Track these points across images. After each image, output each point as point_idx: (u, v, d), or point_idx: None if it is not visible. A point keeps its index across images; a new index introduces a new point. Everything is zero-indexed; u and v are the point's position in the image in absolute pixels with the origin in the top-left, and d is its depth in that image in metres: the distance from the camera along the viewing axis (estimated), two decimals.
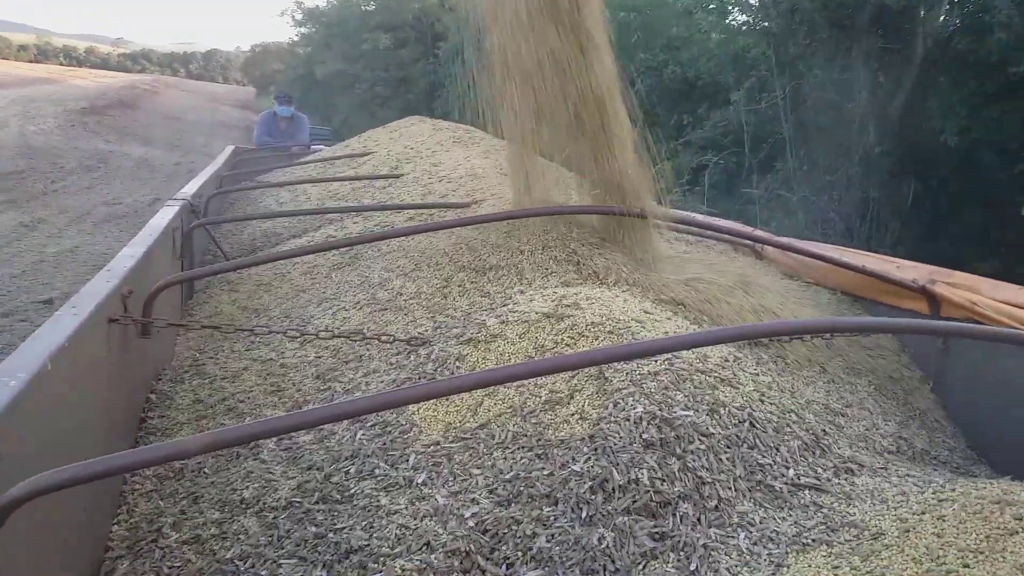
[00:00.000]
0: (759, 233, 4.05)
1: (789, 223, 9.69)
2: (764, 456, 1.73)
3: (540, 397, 1.79)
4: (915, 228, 9.54)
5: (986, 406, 2.55)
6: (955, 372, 2.83)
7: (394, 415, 1.75)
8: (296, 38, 30.03)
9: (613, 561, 1.43)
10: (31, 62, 64.91)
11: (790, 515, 1.61)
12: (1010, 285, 2.89)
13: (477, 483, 1.58)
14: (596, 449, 1.62)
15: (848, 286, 3.46)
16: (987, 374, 2.60)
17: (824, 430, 1.93)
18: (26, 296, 6.59)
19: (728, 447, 1.70)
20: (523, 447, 1.66)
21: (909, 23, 9.59)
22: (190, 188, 4.18)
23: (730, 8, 13.51)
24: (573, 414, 1.73)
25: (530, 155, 3.02)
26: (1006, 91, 8.53)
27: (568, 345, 1.96)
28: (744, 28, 12.77)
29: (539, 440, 1.67)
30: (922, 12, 10.55)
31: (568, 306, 2.12)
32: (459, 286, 2.50)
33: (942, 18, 10.52)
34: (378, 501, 1.56)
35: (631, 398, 1.73)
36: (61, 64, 69.82)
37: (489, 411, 1.77)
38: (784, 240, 3.69)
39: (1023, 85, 8.25)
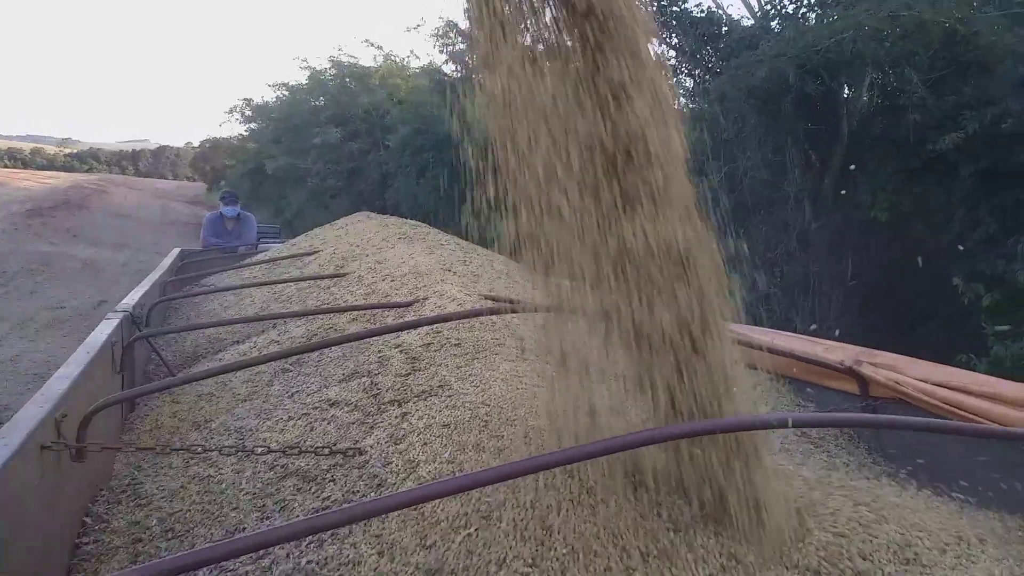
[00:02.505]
0: None
1: (730, 302, 9.96)
2: None
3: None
4: (855, 300, 9.88)
5: None
6: None
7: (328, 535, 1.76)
8: (245, 133, 30.37)
9: None
10: None
11: None
12: (927, 363, 3.03)
13: None
14: None
15: (781, 369, 3.56)
16: None
17: None
18: None
19: None
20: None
21: (832, 106, 10.15)
22: (131, 298, 4.17)
23: None
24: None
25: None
26: (927, 167, 9.03)
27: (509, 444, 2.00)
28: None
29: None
30: (845, 94, 11.16)
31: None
32: (394, 391, 2.53)
33: (864, 98, 11.14)
34: None
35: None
36: (5, 167, 69.22)
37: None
38: None
39: (942, 161, 8.73)
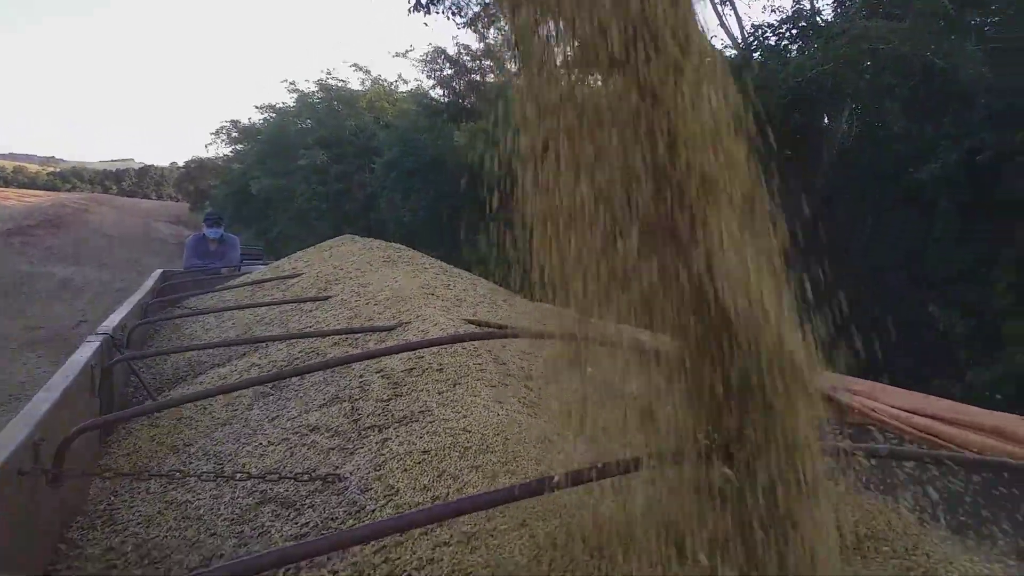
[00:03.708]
0: None
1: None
2: None
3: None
4: (832, 326, 9.95)
5: None
6: None
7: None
8: (231, 154, 30.37)
9: None
10: None
11: None
12: (900, 390, 3.08)
13: None
14: None
15: None
16: None
17: None
18: None
19: None
20: None
21: (813, 136, 10.30)
22: (112, 320, 4.15)
23: None
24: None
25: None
26: (906, 197, 9.18)
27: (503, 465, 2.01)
28: None
29: None
30: (826, 124, 11.32)
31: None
32: (375, 417, 2.54)
33: (844, 128, 11.31)
34: None
35: None
36: None
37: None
38: None
39: (921, 192, 8.88)
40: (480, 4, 17.58)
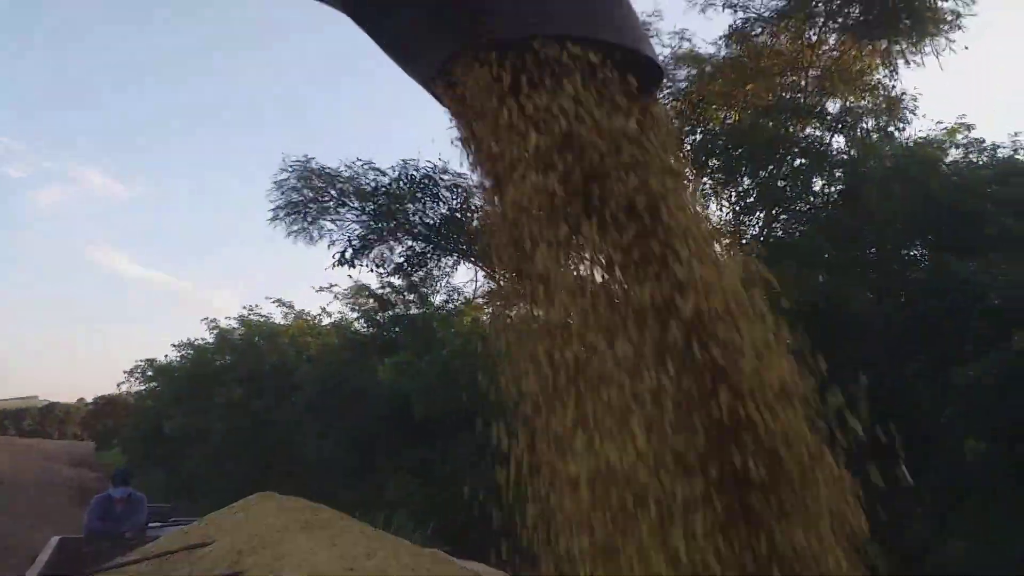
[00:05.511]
0: None
1: None
2: None
3: None
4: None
5: None
6: None
7: None
8: (144, 391, 29.43)
9: None
10: None
11: None
12: None
13: None
14: None
15: None
16: None
17: None
18: None
19: None
20: None
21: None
22: None
23: None
24: None
25: None
26: None
27: None
28: None
29: None
30: None
31: None
32: None
33: None
34: None
35: None
36: None
37: None
38: None
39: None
40: (403, 256, 18.35)
